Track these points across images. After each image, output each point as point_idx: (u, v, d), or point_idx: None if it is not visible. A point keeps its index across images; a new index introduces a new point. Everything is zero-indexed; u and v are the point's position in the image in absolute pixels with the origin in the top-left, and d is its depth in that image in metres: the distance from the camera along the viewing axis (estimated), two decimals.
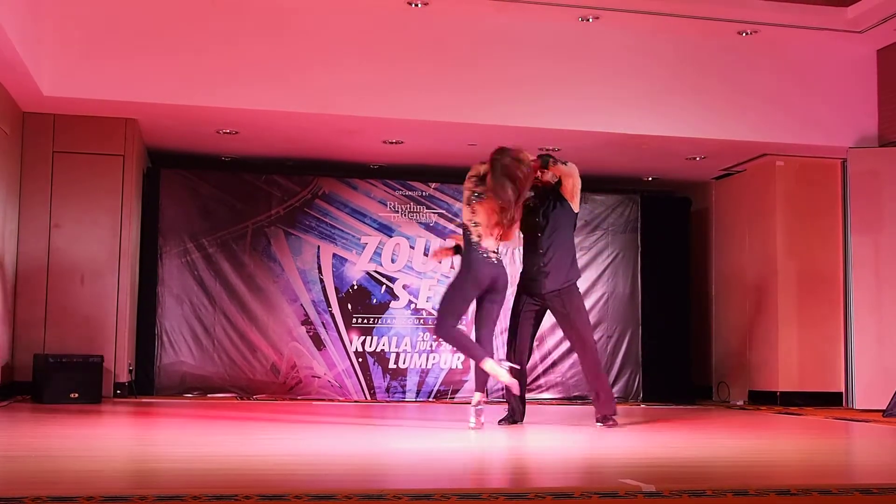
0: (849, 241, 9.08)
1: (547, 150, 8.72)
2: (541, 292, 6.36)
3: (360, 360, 9.38)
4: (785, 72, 8.88)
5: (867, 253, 8.87)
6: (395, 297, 9.52)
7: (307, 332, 9.32)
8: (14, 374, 7.89)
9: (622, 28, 8.46)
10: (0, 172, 7.36)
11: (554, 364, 9.70)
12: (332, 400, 9.12)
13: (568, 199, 6.41)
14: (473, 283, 6.10)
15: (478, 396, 6.10)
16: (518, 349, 6.42)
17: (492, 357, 6.05)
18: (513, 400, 6.42)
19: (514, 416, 6.38)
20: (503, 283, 6.17)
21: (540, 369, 9.65)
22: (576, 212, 6.47)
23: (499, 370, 5.95)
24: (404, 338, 9.50)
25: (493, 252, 6.10)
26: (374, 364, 9.41)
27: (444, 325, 6.14)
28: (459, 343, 6.24)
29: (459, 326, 6.33)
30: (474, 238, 6.09)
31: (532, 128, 8.38)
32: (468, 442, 5.50)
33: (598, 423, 6.29)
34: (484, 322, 6.21)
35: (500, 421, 6.31)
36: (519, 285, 6.55)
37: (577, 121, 8.42)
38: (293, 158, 9.83)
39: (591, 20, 8.30)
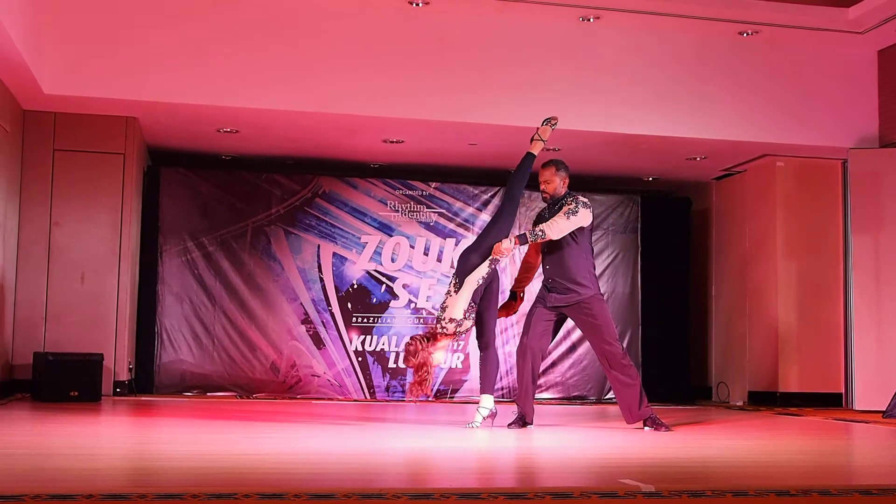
0: (849, 241, 9.08)
1: (547, 149, 8.71)
2: (546, 305, 6.36)
3: (360, 359, 9.38)
4: (786, 72, 8.88)
5: (867, 253, 8.87)
6: (395, 297, 9.52)
7: (307, 331, 9.32)
8: (14, 372, 7.90)
9: (623, 28, 8.45)
10: (0, 170, 7.36)
11: (553, 364, 9.69)
12: (331, 399, 9.12)
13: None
14: None
15: (490, 400, 6.22)
16: (529, 351, 6.38)
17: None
18: (521, 402, 6.39)
19: (525, 419, 6.35)
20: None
21: (539, 369, 9.62)
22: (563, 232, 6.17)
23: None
24: (404, 337, 9.48)
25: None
26: (373, 363, 9.40)
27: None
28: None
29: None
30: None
31: (532, 128, 8.34)
32: (468, 442, 5.50)
33: (646, 428, 6.24)
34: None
35: (509, 424, 6.29)
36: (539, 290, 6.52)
37: (577, 121, 8.41)
38: (293, 157, 9.83)
39: (591, 20, 8.31)
